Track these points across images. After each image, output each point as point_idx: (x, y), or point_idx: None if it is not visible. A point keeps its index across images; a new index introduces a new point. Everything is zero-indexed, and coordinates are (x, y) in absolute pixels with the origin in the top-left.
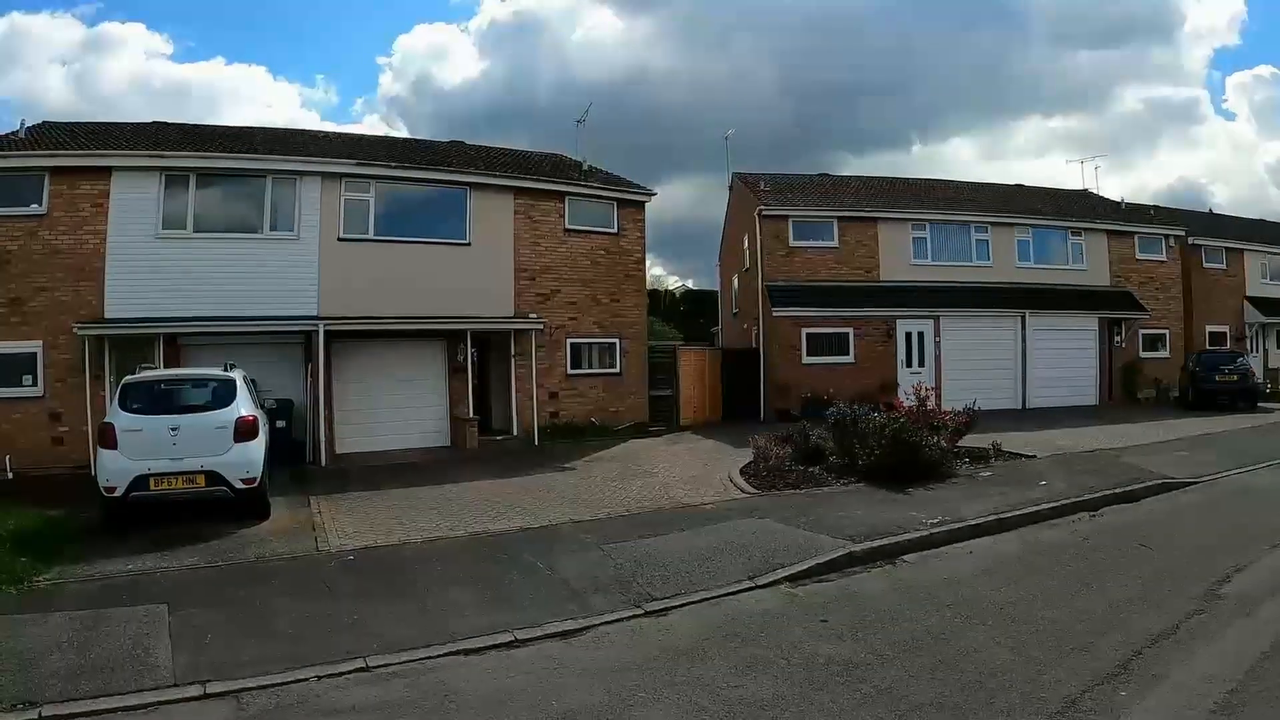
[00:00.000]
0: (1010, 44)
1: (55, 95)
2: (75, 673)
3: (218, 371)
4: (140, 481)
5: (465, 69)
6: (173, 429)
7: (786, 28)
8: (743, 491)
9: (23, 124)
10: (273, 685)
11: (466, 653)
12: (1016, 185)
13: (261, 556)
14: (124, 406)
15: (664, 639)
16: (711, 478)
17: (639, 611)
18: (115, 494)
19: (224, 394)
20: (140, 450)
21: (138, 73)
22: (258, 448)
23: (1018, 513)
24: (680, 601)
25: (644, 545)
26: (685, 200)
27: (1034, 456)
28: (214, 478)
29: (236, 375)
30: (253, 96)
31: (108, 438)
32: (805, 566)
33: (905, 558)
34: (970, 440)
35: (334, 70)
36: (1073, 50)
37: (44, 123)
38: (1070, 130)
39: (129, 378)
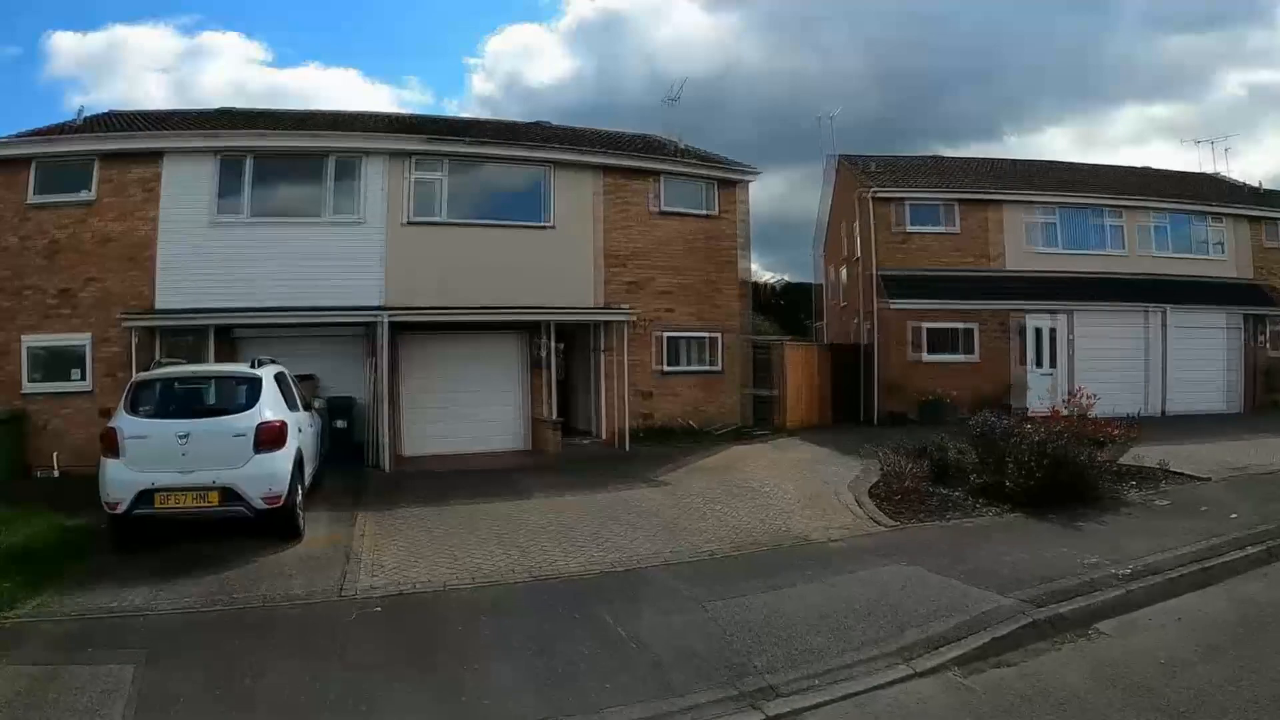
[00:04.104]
0: (1102, 29)
1: (156, 103)
2: None
3: (242, 368)
4: (145, 497)
5: (554, 68)
6: (181, 436)
7: (874, 17)
8: (877, 523)
9: (80, 111)
10: None
11: None
12: (1142, 167)
13: (270, 598)
14: (132, 409)
15: None
16: (832, 498)
17: (758, 717)
18: (118, 510)
19: (247, 395)
20: (147, 460)
21: (236, 79)
22: (284, 459)
23: (1220, 560)
24: (813, 700)
25: (759, 602)
26: (776, 193)
27: (1207, 479)
28: (229, 495)
29: (264, 373)
30: (348, 100)
31: (111, 445)
32: (979, 644)
33: (1099, 626)
34: (1125, 456)
35: (425, 72)
36: (1168, 35)
37: (109, 112)
38: (1171, 117)
39: (139, 375)
